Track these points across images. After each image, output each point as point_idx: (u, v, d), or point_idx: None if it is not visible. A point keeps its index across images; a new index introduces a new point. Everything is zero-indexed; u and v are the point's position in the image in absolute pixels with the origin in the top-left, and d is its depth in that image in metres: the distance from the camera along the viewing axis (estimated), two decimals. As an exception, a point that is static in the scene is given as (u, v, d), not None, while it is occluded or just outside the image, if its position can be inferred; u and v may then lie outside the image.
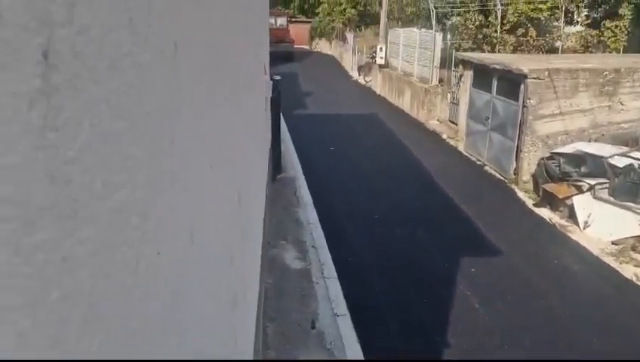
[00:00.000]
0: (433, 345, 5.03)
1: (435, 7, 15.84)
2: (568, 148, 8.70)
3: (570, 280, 6.41)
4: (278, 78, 8.24)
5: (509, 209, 8.60)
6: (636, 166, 7.66)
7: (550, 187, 8.32)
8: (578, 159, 8.26)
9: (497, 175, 9.96)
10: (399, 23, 20.12)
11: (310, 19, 33.35)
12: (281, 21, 27.58)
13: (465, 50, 14.26)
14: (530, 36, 14.91)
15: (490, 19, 15.60)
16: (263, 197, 4.97)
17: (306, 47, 32.50)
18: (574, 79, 9.21)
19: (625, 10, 14.24)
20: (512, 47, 14.76)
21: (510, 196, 9.09)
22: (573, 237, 7.41)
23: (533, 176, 9.09)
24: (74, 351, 0.50)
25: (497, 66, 9.88)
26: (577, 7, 15.45)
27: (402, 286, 5.98)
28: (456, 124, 12.43)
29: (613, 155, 8.03)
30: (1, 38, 0.38)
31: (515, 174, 9.51)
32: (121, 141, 0.66)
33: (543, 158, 8.87)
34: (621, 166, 7.72)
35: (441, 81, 14.46)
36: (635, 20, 14.27)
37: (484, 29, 15.39)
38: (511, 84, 9.52)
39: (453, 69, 13.38)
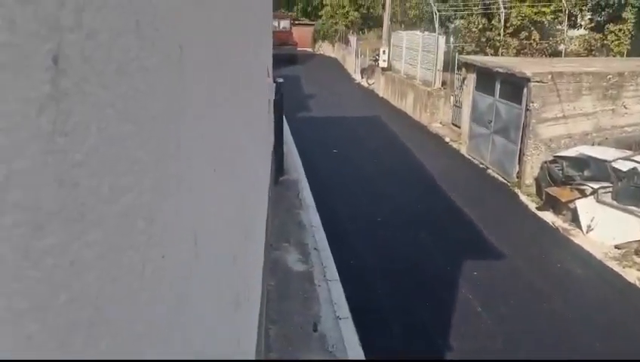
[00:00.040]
0: (435, 348, 5.02)
1: (439, 10, 15.85)
2: (571, 152, 8.69)
3: (573, 284, 6.39)
4: (280, 80, 8.25)
5: (511, 212, 8.58)
6: (640, 170, 7.64)
7: (553, 191, 8.31)
8: (581, 163, 8.24)
9: (500, 178, 9.95)
10: (402, 26, 20.14)
11: (313, 22, 33.38)
12: (285, 24, 27.62)
13: (468, 53, 14.26)
14: (534, 39, 14.92)
15: (493, 22, 15.61)
16: (265, 199, 4.97)
17: (309, 49, 32.53)
18: (578, 83, 9.20)
19: (628, 14, 14.23)
20: (515, 51, 14.76)
21: (513, 199, 9.08)
22: (576, 241, 7.39)
23: (536, 179, 9.07)
24: (81, 353, 0.51)
25: (500, 69, 9.87)
26: (581, 10, 15.46)
27: (405, 290, 5.97)
28: (459, 127, 12.42)
29: (617, 159, 8.01)
30: (13, 44, 0.39)
31: (517, 177, 9.49)
32: (127, 145, 0.66)
33: (546, 162, 8.86)
34: (625, 170, 7.70)
35: (444, 84, 14.47)
36: (638, 24, 14.25)
37: (488, 32, 15.40)
38: (514, 87, 9.51)
39: (456, 72, 13.38)
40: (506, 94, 9.85)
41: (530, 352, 5.00)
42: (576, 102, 9.23)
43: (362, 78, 21.41)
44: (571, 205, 7.92)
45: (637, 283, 6.30)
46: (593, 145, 9.14)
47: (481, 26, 15.42)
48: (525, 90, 9.12)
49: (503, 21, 15.20)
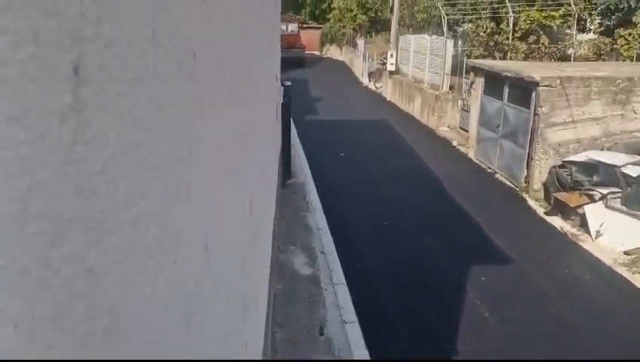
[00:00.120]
0: (442, 352, 5.00)
1: (447, 14, 15.83)
2: (580, 157, 8.63)
3: (582, 289, 6.34)
4: (288, 83, 8.27)
5: (519, 217, 8.54)
6: (649, 175, 7.58)
7: (562, 196, 8.26)
8: (590, 168, 8.19)
9: (508, 183, 9.90)
10: (410, 30, 20.13)
11: (321, 25, 33.46)
12: (293, 27, 27.72)
13: (476, 57, 14.23)
14: (542, 43, 14.85)
15: (501, 26, 15.57)
16: (273, 201, 4.98)
17: (317, 52, 32.59)
18: (587, 87, 9.15)
19: (638, 18, 14.13)
20: (523, 55, 14.70)
21: (521, 204, 9.03)
22: (585, 246, 7.34)
23: (545, 184, 9.02)
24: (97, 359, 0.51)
25: (509, 74, 9.84)
26: (590, 14, 15.37)
27: (412, 294, 5.95)
28: (467, 131, 12.38)
29: (626, 164, 7.95)
30: (37, 56, 0.39)
31: (526, 182, 9.44)
32: (142, 152, 0.67)
33: (554, 166, 8.80)
34: (634, 175, 7.64)
35: (451, 87, 14.44)
36: (648, 28, 14.15)
37: (496, 36, 15.35)
38: (522, 91, 9.47)
39: (464, 75, 13.35)
40: (515, 98, 9.81)
41: (537, 357, 4.96)
42: (585, 107, 9.18)
43: (370, 81, 21.41)
44: (580, 210, 7.87)
45: (646, 289, 6.24)
46: (602, 150, 9.07)
47: (489, 30, 15.37)
48: (534, 94, 9.08)
49: (511, 25, 15.15)
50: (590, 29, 15.65)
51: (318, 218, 7.68)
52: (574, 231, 7.79)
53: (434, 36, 15.96)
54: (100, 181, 0.52)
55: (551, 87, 8.93)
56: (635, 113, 9.42)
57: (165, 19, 0.77)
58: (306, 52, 28.33)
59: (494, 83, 10.52)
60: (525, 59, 14.45)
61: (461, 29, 17.44)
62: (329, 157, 11.20)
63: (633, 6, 14.14)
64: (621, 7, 14.42)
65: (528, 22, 14.90)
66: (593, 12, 15.29)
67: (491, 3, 15.96)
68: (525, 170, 9.45)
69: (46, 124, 0.41)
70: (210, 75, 1.18)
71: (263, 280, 3.32)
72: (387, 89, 18.90)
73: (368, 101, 18.65)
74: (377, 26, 26.92)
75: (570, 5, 14.91)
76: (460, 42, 16.43)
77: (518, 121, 9.68)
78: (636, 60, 13.95)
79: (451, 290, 6.06)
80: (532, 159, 9.25)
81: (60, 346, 0.43)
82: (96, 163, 0.50)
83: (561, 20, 15.08)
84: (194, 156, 0.99)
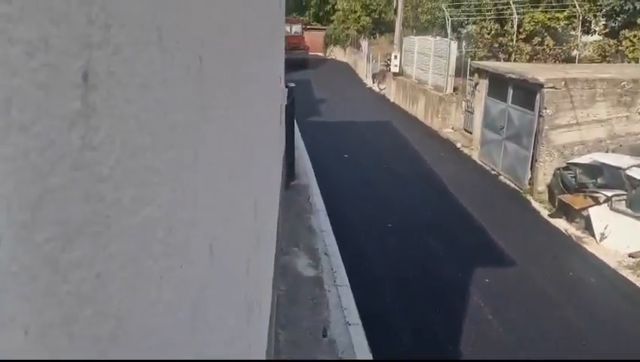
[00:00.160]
0: (446, 355, 4.99)
1: (451, 16, 15.81)
2: (585, 159, 8.60)
3: (586, 292, 6.32)
4: (292, 85, 8.27)
5: (523, 219, 8.52)
6: (654, 178, 7.54)
7: (566, 198, 8.23)
8: (595, 170, 8.15)
9: (512, 185, 9.87)
10: (414, 31, 20.10)
11: (325, 27, 33.47)
12: (296, 28, 27.72)
13: (480, 59, 14.20)
14: (547, 45, 14.80)
15: (506, 27, 15.53)
16: (277, 203, 4.99)
17: (321, 54, 32.60)
18: (591, 89, 9.11)
19: (643, 20, 14.07)
20: (528, 56, 14.65)
21: (525, 206, 9.01)
22: (590, 248, 7.31)
23: (549, 186, 8.99)
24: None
25: (513, 75, 9.82)
26: (595, 16, 15.31)
27: (415, 296, 5.94)
28: (471, 133, 12.36)
29: (631, 166, 7.91)
30: (48, 64, 0.40)
31: (530, 184, 9.42)
32: (148, 156, 0.67)
33: (558, 168, 8.78)
34: (639, 177, 7.61)
35: (455, 89, 14.41)
36: (654, 30, 14.09)
37: (500, 38, 15.31)
38: (527, 93, 9.45)
39: (468, 77, 13.32)
40: (519, 100, 9.79)
41: (541, 360, 4.95)
42: (590, 109, 9.14)
43: (373, 82, 21.40)
44: (584, 213, 7.84)
45: (651, 292, 6.21)
46: (607, 152, 9.04)
47: (493, 32, 15.34)
48: (538, 96, 9.06)
49: (515, 26, 15.11)
50: (595, 31, 15.58)
51: (321, 219, 7.68)
52: (579, 233, 7.76)
53: (438, 38, 15.94)
54: (107, 186, 0.52)
55: (555, 88, 8.90)
56: (640, 115, 9.38)
57: (172, 25, 0.77)
58: (310, 53, 28.34)
59: (498, 85, 10.50)
60: (530, 60, 14.41)
61: (465, 31, 17.41)
62: (332, 159, 11.20)
63: (638, 8, 14.07)
64: (626, 8, 14.36)
65: (533, 23, 14.86)
66: (598, 13, 15.23)
67: (496, 4, 15.94)
68: (529, 172, 9.42)
69: (56, 130, 0.41)
70: (216, 79, 1.19)
71: (267, 283, 3.32)
72: (391, 90, 18.89)
73: (372, 102, 18.65)
74: (381, 27, 26.90)
75: (574, 7, 14.87)
76: (464, 44, 16.41)
77: (522, 122, 9.65)
78: (641, 62, 13.89)
79: (455, 292, 6.05)
80: (536, 161, 9.22)
81: (68, 350, 0.43)
82: (103, 168, 0.51)
83: (566, 22, 15.03)
84: (200, 161, 0.99)
